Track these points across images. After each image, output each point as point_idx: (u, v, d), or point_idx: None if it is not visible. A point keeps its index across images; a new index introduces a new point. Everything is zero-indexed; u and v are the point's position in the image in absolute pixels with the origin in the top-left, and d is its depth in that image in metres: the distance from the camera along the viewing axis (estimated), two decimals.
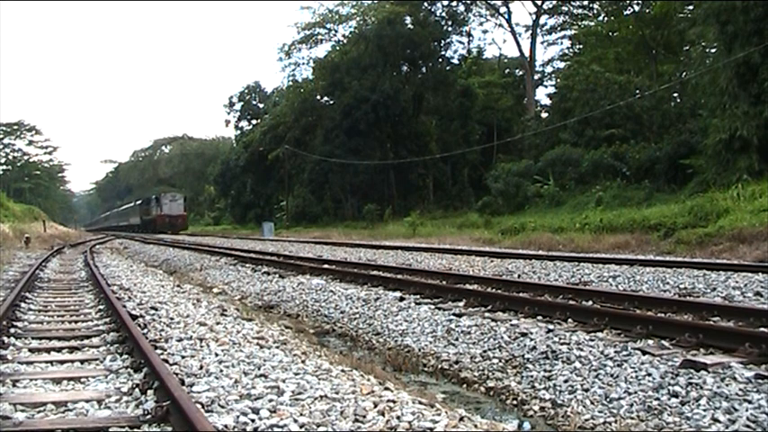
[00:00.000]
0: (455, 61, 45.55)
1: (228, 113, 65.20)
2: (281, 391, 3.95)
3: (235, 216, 60.66)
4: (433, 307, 7.82)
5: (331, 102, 45.31)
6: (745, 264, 10.42)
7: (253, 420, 3.41)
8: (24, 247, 23.97)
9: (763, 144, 18.83)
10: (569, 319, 6.44)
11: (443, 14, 43.99)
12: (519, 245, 18.86)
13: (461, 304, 7.81)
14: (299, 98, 46.42)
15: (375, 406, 3.68)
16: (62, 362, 4.95)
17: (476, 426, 3.63)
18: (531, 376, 5.23)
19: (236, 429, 3.30)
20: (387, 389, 4.23)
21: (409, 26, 42.28)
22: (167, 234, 47.01)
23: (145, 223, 57.94)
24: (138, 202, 63.99)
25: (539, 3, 42.67)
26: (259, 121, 59.36)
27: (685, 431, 3.86)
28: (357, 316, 8.38)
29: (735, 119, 19.23)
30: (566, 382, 4.92)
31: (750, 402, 3.95)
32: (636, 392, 4.44)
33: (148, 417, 3.44)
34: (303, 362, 5.04)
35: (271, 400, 3.73)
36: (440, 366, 6.04)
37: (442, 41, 43.86)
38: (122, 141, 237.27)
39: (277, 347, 5.68)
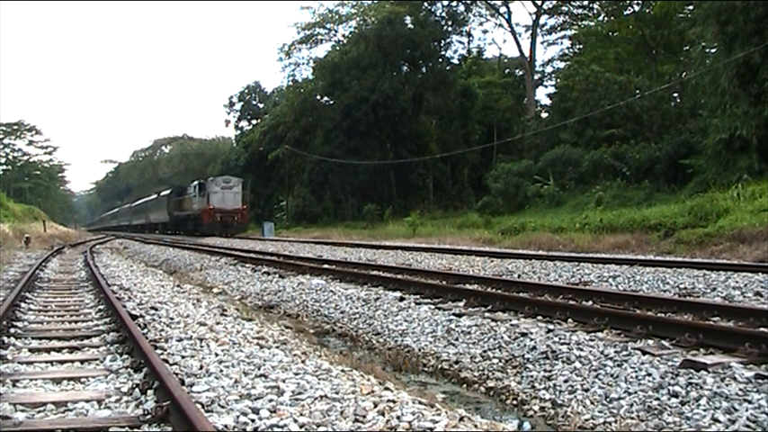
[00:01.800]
0: (455, 61, 45.56)
1: (228, 113, 65.22)
2: (281, 391, 3.95)
3: None
4: (433, 307, 7.82)
5: (331, 102, 45.30)
6: (745, 264, 10.42)
7: (253, 420, 3.40)
8: (24, 247, 23.97)
9: (762, 144, 18.83)
10: (569, 319, 6.44)
11: (443, 14, 43.99)
12: (519, 245, 18.86)
13: (461, 304, 7.81)
14: (299, 98, 46.42)
15: (375, 406, 3.68)
16: (62, 362, 4.95)
17: (476, 426, 3.63)
18: (531, 376, 5.23)
19: (236, 429, 3.30)
20: (387, 389, 4.23)
21: (409, 26, 42.28)
22: (217, 236, 34.69)
23: (178, 221, 44.35)
24: (166, 192, 48.48)
25: (539, 3, 42.69)
26: (259, 121, 59.37)
27: (685, 431, 3.86)
28: (357, 316, 8.38)
29: (735, 119, 19.23)
30: (566, 382, 4.92)
31: (750, 402, 3.95)
32: (636, 392, 4.44)
33: (148, 417, 3.43)
34: (303, 362, 5.04)
35: (271, 400, 3.73)
36: (440, 366, 6.04)
37: (442, 41, 43.85)
38: (122, 141, 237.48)
39: (277, 347, 5.68)
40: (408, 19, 42.45)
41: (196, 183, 40.49)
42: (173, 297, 9.01)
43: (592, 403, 4.50)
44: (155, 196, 53.33)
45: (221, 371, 4.47)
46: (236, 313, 7.93)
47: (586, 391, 4.69)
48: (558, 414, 4.55)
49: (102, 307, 7.68)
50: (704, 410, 3.98)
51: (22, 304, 7.83)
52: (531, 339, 5.87)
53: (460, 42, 46.11)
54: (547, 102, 45.81)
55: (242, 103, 64.32)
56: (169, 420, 3.35)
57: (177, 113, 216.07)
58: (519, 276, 10.69)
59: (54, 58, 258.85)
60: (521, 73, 47.62)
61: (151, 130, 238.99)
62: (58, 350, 5.37)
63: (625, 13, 37.99)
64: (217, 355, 5.04)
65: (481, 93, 43.06)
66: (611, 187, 25.10)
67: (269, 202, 54.48)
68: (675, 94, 34.49)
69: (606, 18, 41.19)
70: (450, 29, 44.22)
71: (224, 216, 37.07)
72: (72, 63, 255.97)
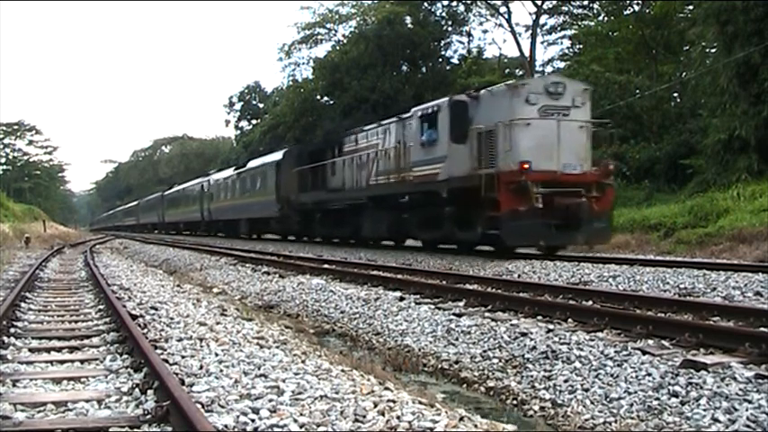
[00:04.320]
0: (455, 61, 45.55)
1: (228, 113, 65.15)
2: (281, 390, 3.95)
3: None
4: (433, 307, 7.82)
5: (331, 102, 45.31)
6: (745, 264, 10.43)
7: (253, 420, 3.40)
8: (24, 247, 23.98)
9: (762, 144, 18.83)
10: (569, 319, 6.44)
11: (443, 14, 44.00)
12: None
13: (461, 304, 7.81)
14: (299, 98, 46.42)
15: (375, 406, 3.68)
16: (62, 362, 4.94)
17: (476, 426, 3.63)
18: (531, 376, 5.23)
19: (236, 429, 3.29)
20: (387, 389, 4.23)
21: (409, 26, 42.30)
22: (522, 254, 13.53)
23: (312, 216, 21.93)
24: (273, 156, 25.86)
25: (539, 3, 42.68)
26: (259, 121, 59.34)
27: (685, 431, 3.86)
28: (357, 316, 8.38)
29: (734, 119, 19.24)
30: (566, 381, 4.92)
31: (750, 402, 3.95)
32: (636, 392, 4.44)
33: (148, 417, 3.43)
34: (303, 362, 5.03)
35: (271, 400, 3.73)
36: (440, 366, 6.04)
37: (442, 41, 43.88)
38: (122, 141, 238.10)
39: (277, 347, 5.67)
40: (408, 19, 42.47)
41: (444, 101, 15.11)
42: (173, 297, 9.01)
43: (592, 403, 4.50)
44: (230, 172, 31.57)
45: (221, 371, 4.46)
46: (236, 313, 7.93)
47: (586, 390, 4.69)
48: (558, 414, 4.55)
49: (102, 307, 7.67)
50: (704, 410, 3.98)
51: (22, 304, 7.82)
52: (531, 339, 5.87)
53: (460, 42, 46.11)
54: None
55: (242, 103, 64.29)
56: (169, 420, 3.35)
57: (177, 113, 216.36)
58: (519, 276, 10.68)
59: (54, 58, 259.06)
60: (521, 73, 47.51)
61: (151, 130, 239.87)
62: (58, 350, 5.37)
63: (625, 13, 37.97)
64: (217, 354, 5.04)
65: None
66: None
67: None
68: (675, 94, 34.47)
69: (606, 18, 41.17)
70: (450, 29, 44.23)
71: (564, 196, 12.54)
72: (72, 63, 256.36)
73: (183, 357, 4.90)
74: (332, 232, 21.32)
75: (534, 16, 43.35)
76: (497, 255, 13.63)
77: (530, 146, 12.57)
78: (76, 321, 6.83)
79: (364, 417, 3.50)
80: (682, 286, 8.41)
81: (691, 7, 31.29)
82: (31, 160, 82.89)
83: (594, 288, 8.57)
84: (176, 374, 4.12)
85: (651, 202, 21.86)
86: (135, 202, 63.78)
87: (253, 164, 28.37)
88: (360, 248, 19.08)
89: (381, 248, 18.45)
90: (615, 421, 4.19)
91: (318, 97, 46.94)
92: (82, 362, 4.92)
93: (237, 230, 29.94)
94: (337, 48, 45.50)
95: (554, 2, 43.13)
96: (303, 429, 3.31)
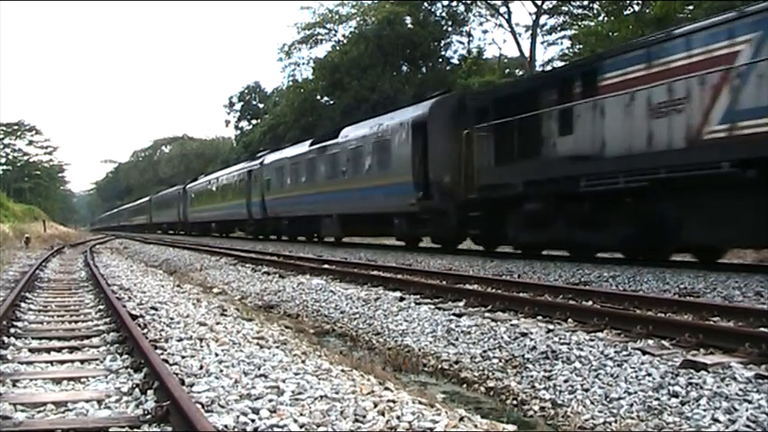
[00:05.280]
0: (455, 61, 45.58)
1: (228, 113, 65.16)
2: (281, 391, 3.95)
3: None
4: (433, 307, 7.82)
5: (331, 102, 45.34)
6: (745, 264, 10.43)
7: (253, 420, 3.40)
8: (24, 247, 23.99)
9: None
10: (569, 319, 6.44)
11: (443, 14, 44.03)
12: None
13: (461, 304, 7.81)
14: (299, 98, 46.47)
15: (375, 406, 3.68)
16: (62, 362, 4.94)
17: (476, 426, 3.63)
18: (531, 376, 5.23)
19: (236, 429, 3.30)
20: (387, 389, 4.22)
21: (409, 26, 42.33)
22: None
23: None
24: (416, 109, 16.06)
25: (539, 3, 42.70)
26: (259, 121, 59.36)
27: (685, 431, 3.86)
28: (357, 316, 8.38)
29: None
30: (566, 382, 4.92)
31: (750, 402, 3.95)
32: (636, 392, 4.44)
33: (148, 417, 3.43)
34: (303, 362, 5.03)
35: (271, 400, 3.73)
36: (440, 366, 6.04)
37: (442, 41, 43.91)
38: (122, 141, 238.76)
39: (277, 347, 5.67)
40: (408, 19, 42.50)
41: None
42: (173, 297, 9.01)
43: (592, 403, 4.50)
44: (302, 148, 22.74)
45: (221, 371, 4.46)
46: (236, 313, 7.93)
47: (586, 391, 4.69)
48: (558, 414, 4.55)
49: (102, 307, 7.67)
50: (704, 410, 3.98)
51: (22, 304, 7.82)
52: (531, 339, 5.87)
53: (460, 42, 46.12)
54: None
55: (242, 104, 64.31)
56: (169, 420, 3.35)
57: (177, 113, 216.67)
58: (519, 276, 10.69)
59: (54, 58, 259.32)
60: (521, 73, 47.60)
61: (151, 130, 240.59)
62: (58, 350, 5.36)
63: (625, 13, 37.97)
64: (217, 355, 5.04)
65: None
66: None
67: None
68: None
69: (606, 18, 41.16)
70: (450, 29, 44.26)
71: None
72: (72, 63, 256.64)
73: (182, 357, 4.90)
74: (575, 237, 11.63)
75: (534, 16, 43.37)
76: (497, 255, 13.63)
77: None
78: (76, 321, 6.83)
79: (364, 417, 3.51)
80: (682, 286, 8.41)
81: (691, 7, 31.30)
82: (31, 160, 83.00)
83: (594, 288, 8.57)
84: (176, 374, 4.12)
85: None
86: (146, 198, 56.03)
87: (352, 132, 18.79)
88: (360, 248, 19.07)
89: (381, 248, 18.44)
90: (615, 421, 4.19)
91: (318, 97, 46.97)
92: (82, 362, 4.92)
93: (315, 232, 21.82)
94: (337, 48, 45.52)
95: (554, 2, 43.15)
96: (303, 429, 3.31)
